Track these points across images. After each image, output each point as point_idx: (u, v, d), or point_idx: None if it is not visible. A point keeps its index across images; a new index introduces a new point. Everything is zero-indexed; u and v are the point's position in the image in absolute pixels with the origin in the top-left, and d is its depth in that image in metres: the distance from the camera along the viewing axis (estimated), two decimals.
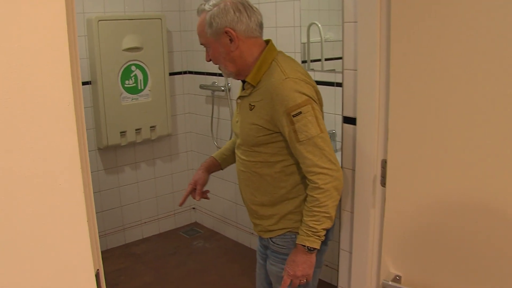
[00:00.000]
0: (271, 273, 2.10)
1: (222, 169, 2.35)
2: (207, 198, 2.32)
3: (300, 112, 1.76)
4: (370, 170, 1.83)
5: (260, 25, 1.93)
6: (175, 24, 4.13)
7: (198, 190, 2.25)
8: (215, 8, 1.84)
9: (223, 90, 3.87)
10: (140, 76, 3.88)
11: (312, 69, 3.14)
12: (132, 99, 3.85)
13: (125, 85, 3.81)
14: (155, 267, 3.78)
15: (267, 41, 1.96)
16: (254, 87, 1.89)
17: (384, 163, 1.76)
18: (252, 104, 1.89)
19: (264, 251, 2.18)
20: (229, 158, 2.32)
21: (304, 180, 1.90)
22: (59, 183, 0.96)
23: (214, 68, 3.93)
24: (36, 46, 0.89)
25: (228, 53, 1.88)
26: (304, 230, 1.84)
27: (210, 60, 1.98)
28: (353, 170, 1.94)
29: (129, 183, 4.12)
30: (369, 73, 1.75)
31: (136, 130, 3.91)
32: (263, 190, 1.98)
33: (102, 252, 3.96)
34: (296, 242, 1.88)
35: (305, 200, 1.88)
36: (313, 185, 1.80)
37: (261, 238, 2.14)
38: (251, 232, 3.97)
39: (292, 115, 1.76)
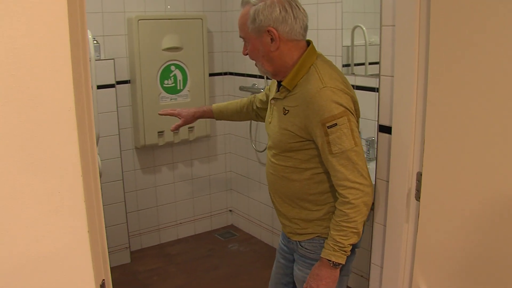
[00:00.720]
0: (297, 279, 2.05)
1: (214, 119, 2.45)
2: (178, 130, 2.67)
3: (336, 124, 1.71)
4: (405, 183, 1.73)
5: (305, 28, 1.87)
6: (216, 25, 4.09)
7: (176, 124, 2.41)
8: (261, 3, 1.78)
9: None
10: (179, 76, 3.86)
11: (354, 74, 3.03)
12: (171, 99, 3.83)
13: (164, 85, 3.79)
14: (188, 269, 3.75)
15: (308, 42, 1.89)
16: (289, 91, 1.84)
17: (419, 176, 1.65)
18: (287, 109, 1.84)
19: (289, 252, 2.13)
20: (223, 115, 2.40)
21: (333, 188, 1.85)
22: (58, 191, 0.91)
23: (254, 69, 3.87)
24: (34, 50, 0.85)
25: (267, 53, 1.83)
26: (331, 245, 1.79)
27: (247, 54, 1.94)
28: (387, 181, 1.84)
29: (165, 183, 4.10)
30: (406, 79, 1.65)
31: None
32: (291, 195, 1.94)
33: (137, 251, 3.98)
34: (321, 256, 1.82)
35: (333, 207, 1.85)
36: (343, 199, 1.75)
37: (288, 240, 2.09)
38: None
39: (327, 126, 1.71)
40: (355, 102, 1.82)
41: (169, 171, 4.10)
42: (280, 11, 1.77)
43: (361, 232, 1.79)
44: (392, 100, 1.75)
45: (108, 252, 3.41)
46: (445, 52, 1.48)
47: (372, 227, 1.96)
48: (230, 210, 4.56)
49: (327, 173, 1.84)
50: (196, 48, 3.88)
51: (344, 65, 3.09)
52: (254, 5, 1.79)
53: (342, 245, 1.76)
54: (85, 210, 0.94)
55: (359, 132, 1.83)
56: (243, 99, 2.38)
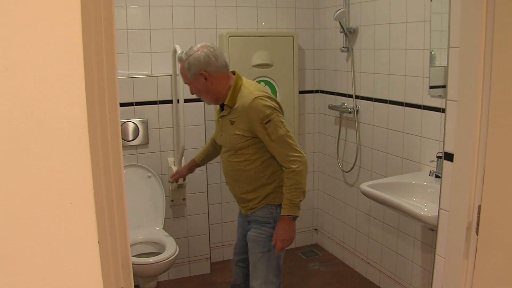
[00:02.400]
0: (249, 239, 2.63)
1: (200, 166, 3.10)
2: (177, 181, 3.19)
3: (270, 120, 2.36)
4: (465, 216, 1.60)
5: (226, 64, 2.49)
6: (308, 42, 4.08)
7: (175, 177, 3.10)
8: (190, 57, 2.42)
9: (350, 112, 3.73)
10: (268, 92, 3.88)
11: (440, 96, 2.88)
12: None
13: None
14: None
15: (233, 72, 2.54)
16: (231, 107, 2.46)
17: (480, 209, 1.53)
18: (232, 120, 2.47)
19: (246, 224, 2.73)
20: (205, 160, 3.05)
21: (277, 169, 2.51)
22: (69, 205, 0.94)
23: (345, 88, 3.84)
24: (46, 63, 0.88)
25: (206, 88, 2.47)
26: (287, 204, 2.40)
27: (194, 93, 2.54)
28: (449, 212, 1.72)
29: None
30: (469, 105, 1.54)
31: None
32: (248, 181, 2.55)
33: (217, 263, 4.04)
34: (281, 215, 2.43)
35: (280, 183, 2.50)
36: (289, 170, 2.38)
37: (245, 216, 2.69)
38: (368, 261, 3.76)
39: (264, 123, 2.36)
40: (278, 103, 2.48)
41: None
42: (204, 58, 2.41)
43: (305, 191, 2.43)
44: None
45: (189, 262, 3.49)
46: (508, 76, 1.36)
47: (434, 258, 1.84)
48: (315, 229, 4.50)
49: (271, 158, 2.48)
50: (286, 65, 3.89)
51: (431, 87, 2.95)
52: (186, 59, 2.43)
53: (295, 202, 2.40)
54: (96, 223, 0.95)
55: None
56: (207, 143, 3.05)
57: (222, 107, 2.53)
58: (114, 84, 1.04)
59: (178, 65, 2.61)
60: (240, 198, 2.65)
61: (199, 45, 2.46)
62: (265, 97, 2.41)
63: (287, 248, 2.55)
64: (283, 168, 2.41)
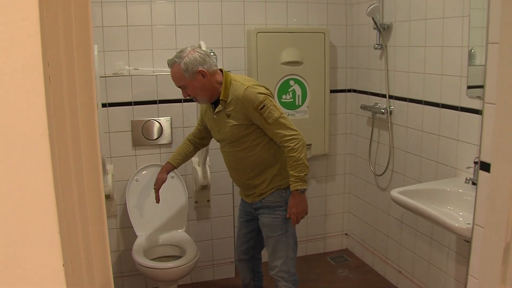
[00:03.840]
0: (264, 224, 2.78)
1: (176, 168, 3.07)
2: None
3: (264, 106, 2.52)
4: (502, 234, 1.42)
5: (215, 63, 2.73)
6: (341, 39, 3.91)
7: (159, 183, 2.99)
8: (184, 58, 2.54)
9: (383, 113, 3.54)
10: (298, 91, 3.74)
11: (479, 97, 2.67)
12: (289, 115, 3.71)
13: (282, 100, 3.70)
14: None
15: (221, 69, 2.67)
16: (225, 101, 2.59)
17: None
18: (228, 113, 2.60)
19: (251, 213, 2.87)
20: (181, 162, 3.04)
21: (278, 149, 2.65)
22: (30, 220, 0.82)
23: (378, 88, 3.66)
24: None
25: (203, 86, 2.58)
26: (294, 180, 2.56)
27: (188, 96, 2.65)
28: (484, 229, 1.54)
29: None
30: (509, 109, 1.36)
31: None
32: (252, 166, 2.68)
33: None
34: (291, 190, 2.59)
35: (283, 164, 2.64)
36: (288, 148, 2.54)
37: (251, 204, 2.81)
38: (399, 270, 3.57)
39: (259, 109, 2.51)
40: (267, 88, 2.63)
41: None
42: (199, 57, 2.55)
43: (308, 165, 2.56)
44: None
45: (213, 265, 3.38)
46: None
47: (467, 279, 1.67)
48: (346, 234, 4.33)
49: (271, 141, 2.64)
50: (317, 63, 3.74)
51: (469, 87, 2.74)
52: (180, 61, 2.54)
53: (300, 177, 2.55)
54: (59, 239, 0.84)
55: None
56: (183, 144, 3.05)
57: (215, 104, 2.66)
58: (89, 85, 0.91)
59: (171, 69, 2.64)
60: (247, 185, 2.77)
61: (188, 48, 2.60)
62: (255, 85, 2.59)
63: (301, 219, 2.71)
64: (283, 148, 2.57)
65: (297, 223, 2.69)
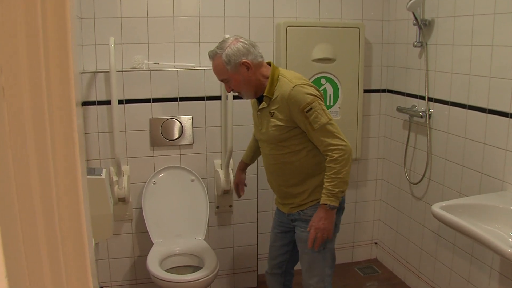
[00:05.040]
0: (300, 239, 2.53)
1: (251, 164, 2.93)
2: (243, 189, 2.93)
3: (311, 108, 2.27)
4: None
5: (261, 54, 2.41)
6: (377, 35, 3.64)
7: (241, 188, 2.89)
8: (226, 49, 2.32)
9: (422, 117, 3.27)
10: (330, 90, 3.49)
11: None
12: None
13: None
14: None
15: (269, 63, 2.45)
16: (270, 98, 2.37)
17: None
18: (272, 112, 2.38)
19: (287, 224, 2.65)
20: (254, 157, 2.87)
21: (324, 159, 2.35)
22: None
23: (416, 89, 3.38)
24: None
25: (247, 79, 2.36)
26: (326, 193, 2.30)
27: (231, 91, 2.45)
28: None
29: None
30: None
31: None
32: (293, 173, 2.45)
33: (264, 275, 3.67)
34: (320, 203, 2.33)
35: None
36: (331, 158, 2.28)
37: (288, 215, 2.59)
38: (433, 286, 3.30)
39: (305, 111, 2.27)
40: (318, 90, 2.38)
41: None
42: (242, 47, 2.32)
43: (348, 181, 2.32)
44: None
45: (233, 273, 3.16)
46: None
47: None
48: (375, 243, 4.06)
49: (316, 148, 2.39)
50: (350, 60, 3.48)
51: None
52: (221, 53, 2.33)
53: (334, 192, 2.29)
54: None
55: None
56: (252, 139, 2.85)
57: (260, 100, 2.45)
58: (67, 84, 0.68)
59: (212, 62, 2.42)
60: (285, 194, 2.56)
61: (231, 38, 2.37)
62: (305, 84, 2.34)
63: (331, 238, 2.47)
64: (326, 157, 2.33)
65: (315, 243, 2.38)
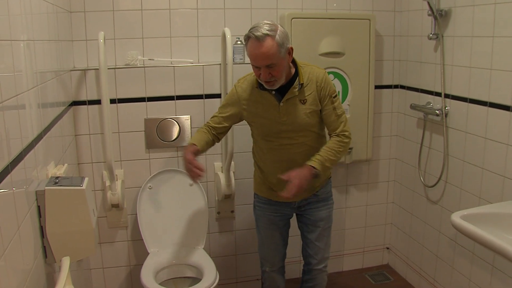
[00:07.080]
0: (321, 218, 2.65)
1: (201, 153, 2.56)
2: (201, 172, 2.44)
3: (336, 95, 2.44)
4: None
5: None
6: (388, 27, 3.43)
7: (199, 172, 2.40)
8: (278, 30, 2.21)
9: (438, 115, 3.04)
10: (338, 87, 3.30)
11: None
12: None
13: None
14: None
15: None
16: (302, 85, 2.38)
17: None
18: (303, 99, 2.40)
19: (292, 212, 2.69)
20: (206, 148, 2.53)
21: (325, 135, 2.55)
22: None
23: (431, 85, 3.16)
24: None
25: (286, 66, 2.32)
26: (319, 159, 2.36)
27: (272, 76, 2.27)
28: None
29: None
30: None
31: None
32: (314, 154, 2.44)
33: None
34: (308, 164, 2.35)
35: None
36: (339, 138, 2.43)
37: (297, 202, 2.62)
38: None
39: (333, 97, 2.42)
40: None
41: None
42: (286, 32, 2.26)
43: (335, 164, 2.49)
44: None
45: (236, 282, 2.94)
46: None
47: None
48: (387, 248, 3.85)
49: (323, 128, 2.55)
50: (360, 54, 3.28)
51: None
52: (273, 35, 2.18)
53: (325, 164, 2.37)
54: None
55: None
56: (203, 132, 2.54)
57: (279, 91, 2.39)
58: None
59: (262, 44, 2.18)
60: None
61: (269, 21, 2.27)
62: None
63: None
64: (333, 136, 2.46)
65: (288, 196, 2.29)
